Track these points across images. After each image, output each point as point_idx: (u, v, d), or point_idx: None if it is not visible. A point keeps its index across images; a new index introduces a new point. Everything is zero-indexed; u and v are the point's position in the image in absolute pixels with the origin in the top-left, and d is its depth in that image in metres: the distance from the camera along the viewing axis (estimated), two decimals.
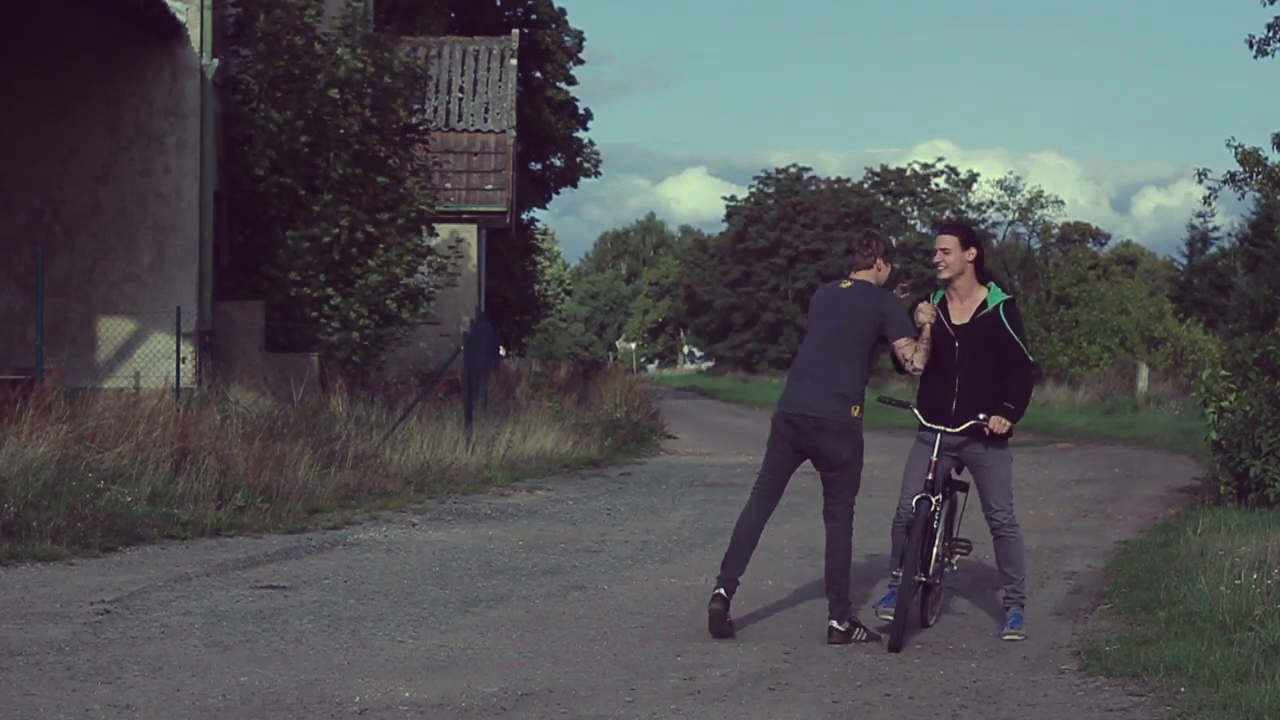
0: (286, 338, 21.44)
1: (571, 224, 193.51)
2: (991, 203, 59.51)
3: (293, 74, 21.77)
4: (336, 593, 10.37)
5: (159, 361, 19.27)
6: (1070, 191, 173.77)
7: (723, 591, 8.90)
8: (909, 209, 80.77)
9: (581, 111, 43.67)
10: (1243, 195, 21.28)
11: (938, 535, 9.14)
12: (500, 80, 32.28)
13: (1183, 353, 42.09)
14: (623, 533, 14.07)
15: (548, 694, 7.52)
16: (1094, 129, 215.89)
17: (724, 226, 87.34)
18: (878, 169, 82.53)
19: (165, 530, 12.72)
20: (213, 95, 20.54)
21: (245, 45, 22.16)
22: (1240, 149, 19.78)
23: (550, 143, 42.43)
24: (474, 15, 40.58)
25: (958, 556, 9.46)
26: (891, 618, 8.80)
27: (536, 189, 43.19)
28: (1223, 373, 16.53)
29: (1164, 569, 11.13)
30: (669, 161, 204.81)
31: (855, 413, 8.85)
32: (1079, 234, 74.26)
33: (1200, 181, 20.78)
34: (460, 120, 31.60)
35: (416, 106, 23.93)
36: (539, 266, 53.70)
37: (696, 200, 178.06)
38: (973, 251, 9.22)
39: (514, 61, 32.62)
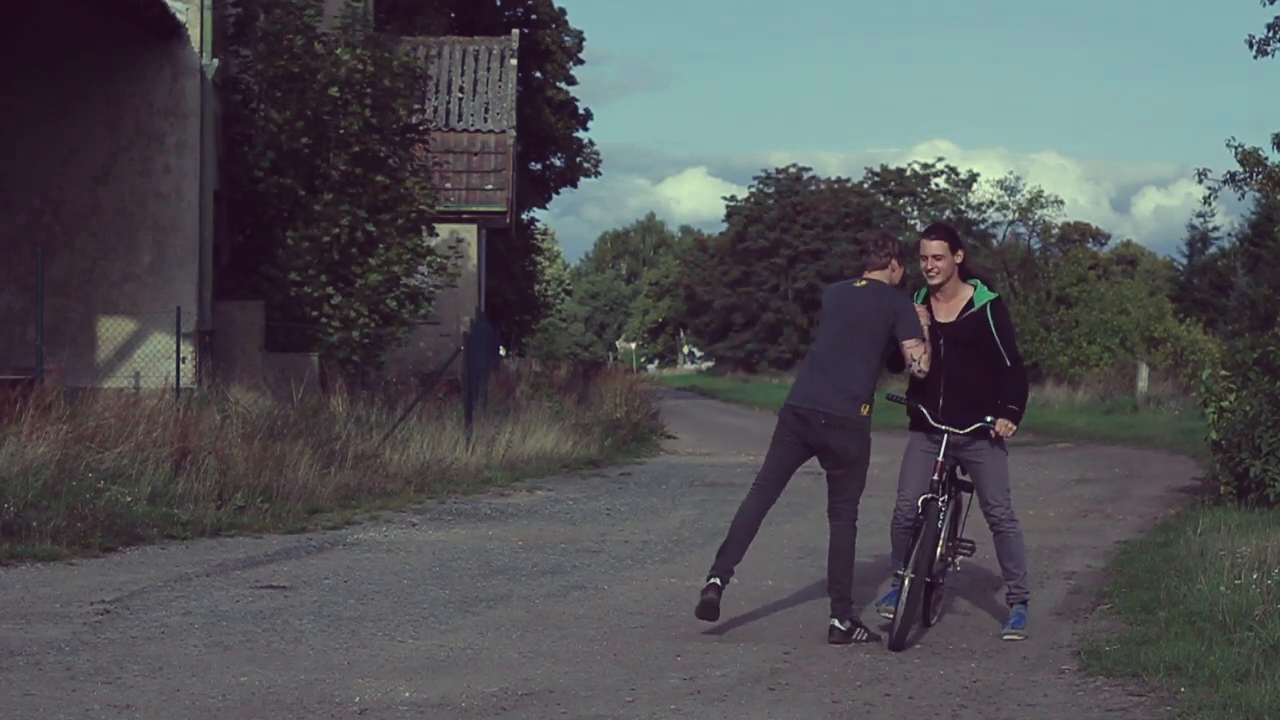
0: (286, 338, 21.44)
1: (571, 224, 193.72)
2: (991, 203, 59.57)
3: (293, 74, 21.77)
4: (336, 593, 10.37)
5: (159, 361, 19.27)
6: (1070, 191, 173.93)
7: (717, 580, 8.90)
8: (909, 209, 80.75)
9: (581, 111, 43.70)
10: (1243, 195, 21.31)
11: (941, 535, 9.15)
12: (500, 80, 32.29)
13: (1183, 353, 42.08)
14: (623, 533, 14.07)
15: (548, 694, 7.52)
16: (1094, 129, 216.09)
17: (724, 226, 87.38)
18: (878, 169, 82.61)
19: (165, 530, 12.73)
20: (213, 95, 20.54)
21: (245, 45, 22.16)
22: (1240, 149, 19.80)
23: (550, 143, 42.44)
24: (474, 15, 40.59)
25: (960, 557, 9.47)
26: (892, 616, 8.82)
27: (536, 189, 43.20)
28: (1223, 373, 16.52)
29: (1164, 569, 11.13)
30: (669, 161, 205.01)
31: (865, 411, 8.89)
32: (1079, 234, 74.35)
33: (1200, 181, 20.82)
34: (460, 120, 31.61)
35: (416, 106, 23.94)
36: (539, 266, 53.70)
37: (696, 200, 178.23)
38: (960, 254, 9.22)
39: (514, 61, 32.63)
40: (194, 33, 20.05)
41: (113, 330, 19.81)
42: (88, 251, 20.04)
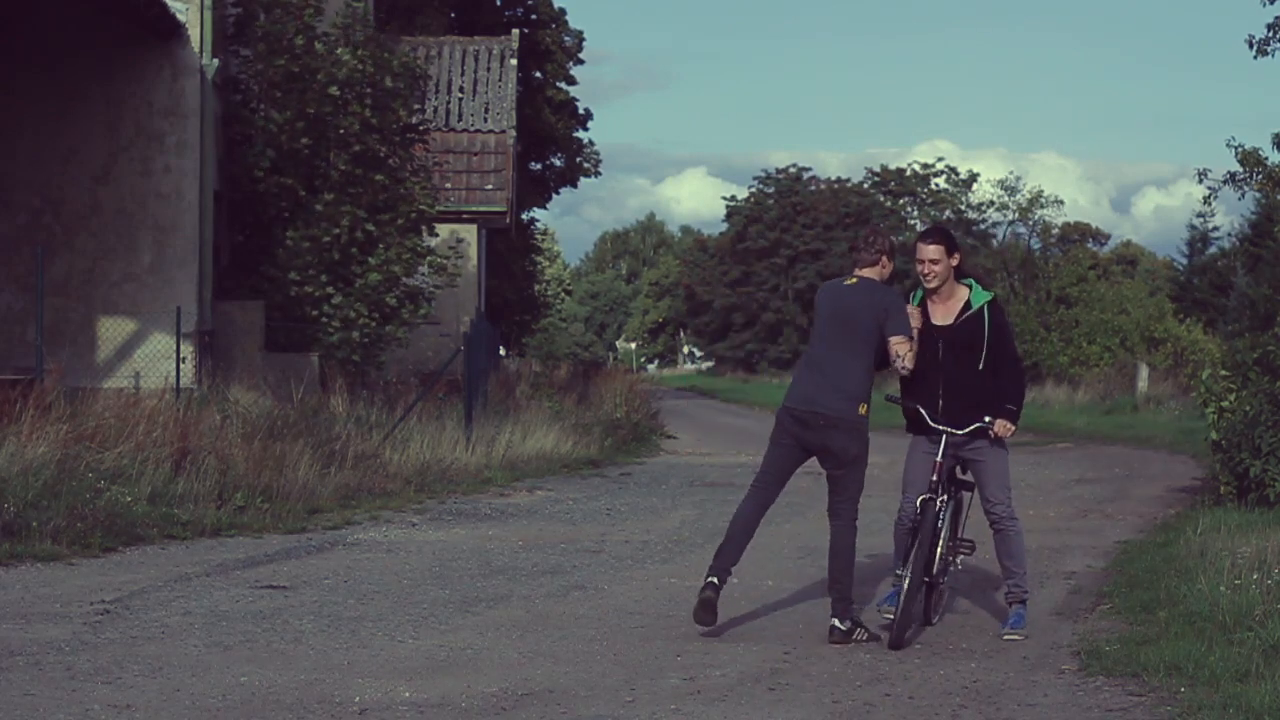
0: (286, 338, 21.44)
1: (571, 224, 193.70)
2: (991, 203, 59.56)
3: (293, 74, 21.77)
4: (336, 593, 10.37)
5: (159, 361, 19.27)
6: (1070, 191, 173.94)
7: (715, 580, 8.88)
8: (909, 209, 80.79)
9: (581, 111, 43.69)
10: (1243, 195, 21.32)
11: (943, 535, 9.16)
12: (500, 80, 32.29)
13: (1183, 353, 42.08)
14: (623, 533, 14.07)
15: (548, 694, 7.52)
16: (1094, 129, 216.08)
17: (724, 226, 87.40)
18: (878, 169, 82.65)
19: (165, 530, 12.73)
20: (213, 95, 20.54)
21: (245, 45, 22.16)
22: (1240, 149, 19.81)
23: (550, 143, 42.44)
24: (474, 15, 40.59)
25: (961, 556, 9.47)
26: (893, 616, 8.82)
27: (536, 189, 43.20)
28: (1223, 373, 16.53)
29: (1164, 569, 11.13)
30: (669, 161, 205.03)
31: (862, 410, 8.86)
32: (1079, 234, 74.36)
33: (1200, 181, 20.84)
34: (460, 120, 31.61)
35: (416, 106, 23.93)
36: (539, 266, 53.69)
37: (696, 200, 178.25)
38: (957, 257, 9.22)
39: (514, 61, 32.63)
40: (194, 33, 20.05)
41: (113, 330, 19.80)
42: (88, 251, 20.04)
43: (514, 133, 31.74)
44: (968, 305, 9.16)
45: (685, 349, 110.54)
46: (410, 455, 17.92)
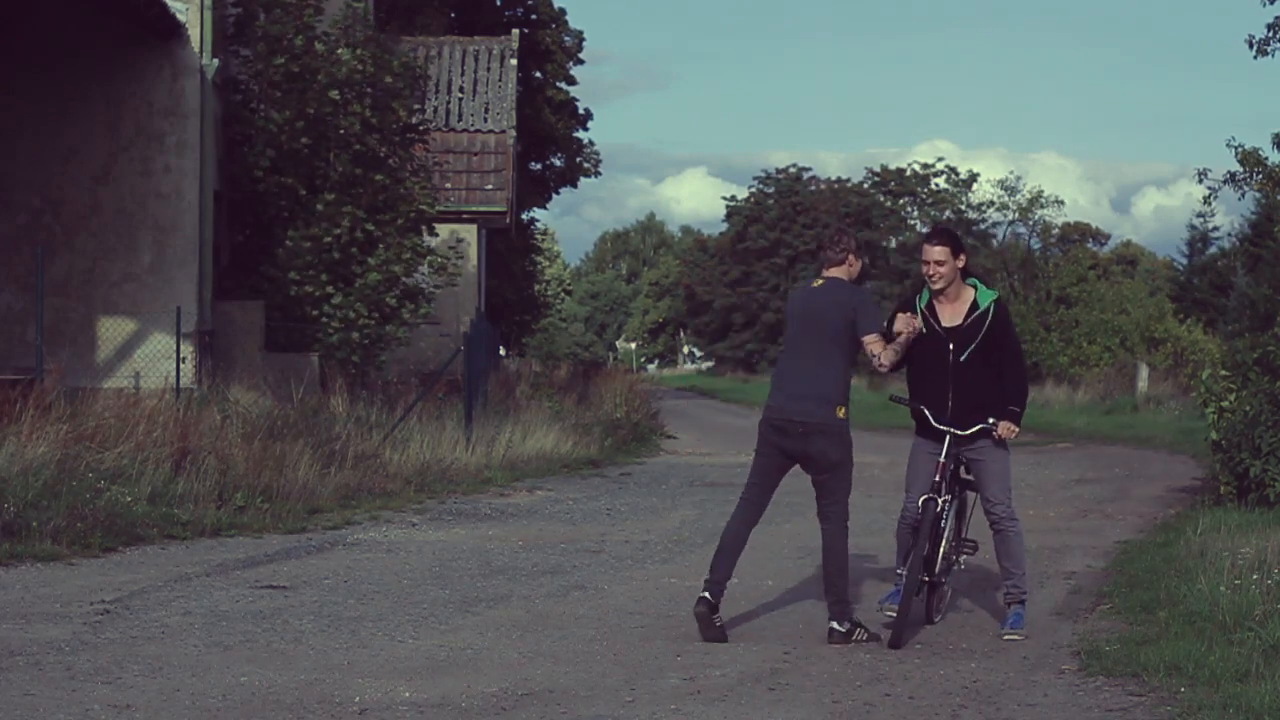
0: (286, 338, 21.44)
1: (571, 224, 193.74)
2: (991, 203, 59.59)
3: (293, 74, 21.77)
4: (336, 593, 10.37)
5: (159, 361, 19.27)
6: (1070, 191, 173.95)
7: (707, 595, 8.83)
8: (909, 209, 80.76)
9: (581, 111, 43.69)
10: (1243, 195, 21.32)
11: (945, 535, 9.16)
12: (500, 80, 32.29)
13: (1183, 353, 42.10)
14: (623, 533, 14.07)
15: (548, 694, 7.52)
16: (1094, 129, 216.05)
17: (724, 226, 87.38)
18: (878, 169, 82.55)
19: (165, 530, 12.73)
20: (213, 95, 20.54)
21: (245, 45, 22.16)
22: (1240, 149, 19.81)
23: (550, 143, 42.43)
24: (474, 15, 40.58)
25: (964, 556, 9.47)
26: (895, 615, 8.82)
27: (536, 189, 43.20)
28: (1223, 373, 16.53)
29: (1164, 569, 11.13)
30: (669, 161, 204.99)
31: (841, 414, 8.73)
32: (1079, 234, 74.32)
33: (1200, 181, 20.85)
34: (460, 120, 31.61)
35: (416, 106, 23.93)
36: (539, 266, 53.69)
37: (696, 200, 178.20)
38: (962, 258, 9.21)
39: (514, 61, 32.63)
40: (194, 33, 20.05)
41: (113, 330, 19.80)
42: (88, 251, 20.04)
43: (514, 133, 31.75)
44: (975, 305, 9.16)
45: (685, 349, 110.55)
46: (410, 455, 17.92)
